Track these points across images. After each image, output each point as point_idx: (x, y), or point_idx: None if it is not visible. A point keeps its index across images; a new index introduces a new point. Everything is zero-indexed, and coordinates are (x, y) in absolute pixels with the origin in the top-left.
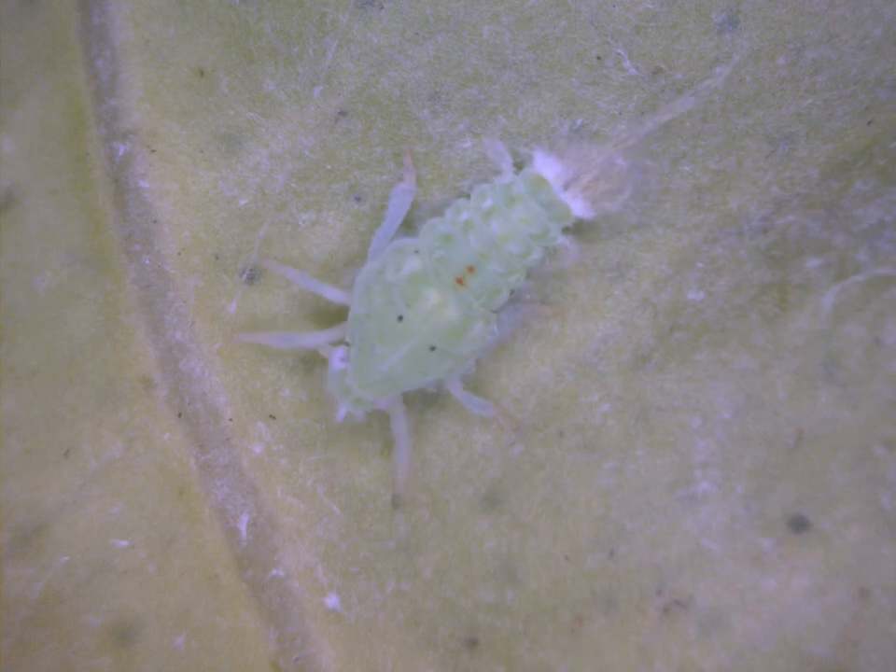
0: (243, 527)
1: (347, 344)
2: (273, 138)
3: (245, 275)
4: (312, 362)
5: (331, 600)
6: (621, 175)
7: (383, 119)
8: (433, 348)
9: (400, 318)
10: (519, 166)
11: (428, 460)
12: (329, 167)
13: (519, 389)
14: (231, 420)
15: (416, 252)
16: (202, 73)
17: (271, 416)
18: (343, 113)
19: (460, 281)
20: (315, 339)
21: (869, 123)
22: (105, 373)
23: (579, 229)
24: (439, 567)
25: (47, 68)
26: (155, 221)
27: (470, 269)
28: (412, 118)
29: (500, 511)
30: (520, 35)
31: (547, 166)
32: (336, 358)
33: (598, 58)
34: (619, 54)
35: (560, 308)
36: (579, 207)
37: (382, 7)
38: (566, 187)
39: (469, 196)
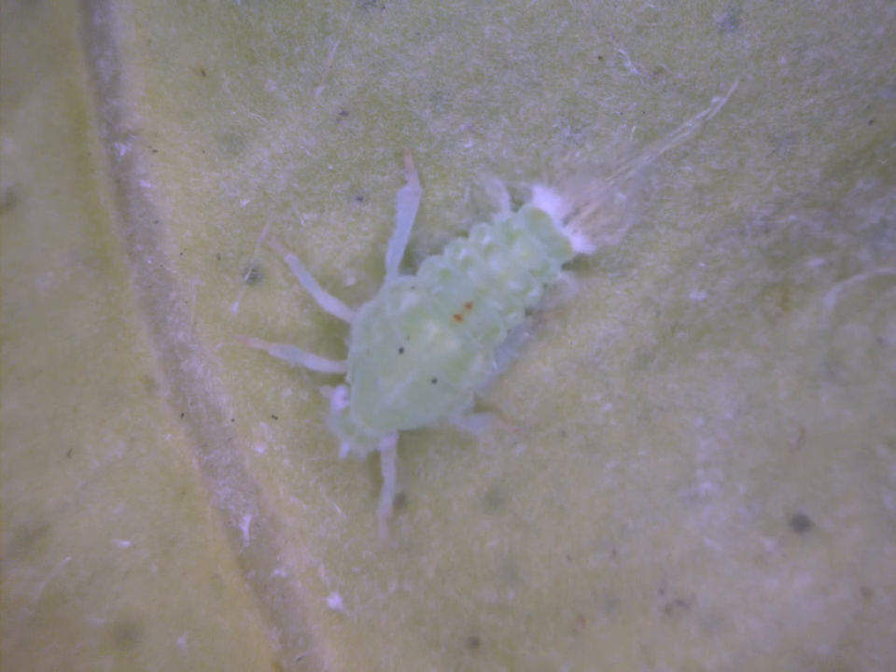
0: (245, 527)
1: (348, 384)
2: (275, 138)
3: (247, 276)
4: None
5: (334, 600)
6: (621, 208)
7: (384, 119)
8: (435, 381)
9: (401, 350)
10: (518, 203)
11: (431, 460)
12: (330, 167)
13: (521, 389)
14: (233, 420)
15: (413, 288)
16: (203, 73)
17: (273, 416)
18: (344, 113)
19: (458, 317)
20: (317, 363)
21: (871, 123)
22: (107, 373)
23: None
24: (441, 566)
25: (48, 68)
26: (157, 221)
27: (468, 305)
28: (413, 118)
29: (502, 511)
30: (521, 34)
31: (546, 200)
32: (337, 398)
33: (600, 58)
34: (620, 54)
35: (562, 309)
36: (579, 242)
37: (383, 8)
38: (565, 221)
39: (467, 234)
